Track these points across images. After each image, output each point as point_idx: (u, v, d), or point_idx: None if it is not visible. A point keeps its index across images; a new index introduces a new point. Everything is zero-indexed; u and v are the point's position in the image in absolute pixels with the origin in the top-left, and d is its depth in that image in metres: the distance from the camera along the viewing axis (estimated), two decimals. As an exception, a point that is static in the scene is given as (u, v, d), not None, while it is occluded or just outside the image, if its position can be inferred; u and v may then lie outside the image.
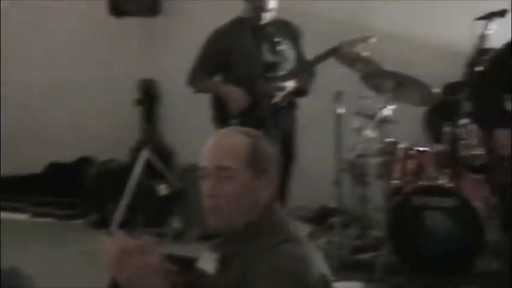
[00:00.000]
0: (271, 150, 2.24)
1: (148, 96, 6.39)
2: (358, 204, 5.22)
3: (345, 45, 4.67)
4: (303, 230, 5.07)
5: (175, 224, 5.82)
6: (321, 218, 5.63)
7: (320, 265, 2.15)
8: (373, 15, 5.93)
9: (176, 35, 6.34)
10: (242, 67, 4.80)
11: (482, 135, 4.27)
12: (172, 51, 6.29)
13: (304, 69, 4.91)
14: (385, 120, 4.72)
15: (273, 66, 4.80)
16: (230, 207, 2.16)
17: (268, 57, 4.82)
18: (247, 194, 2.16)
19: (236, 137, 2.21)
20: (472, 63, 3.81)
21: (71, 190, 6.34)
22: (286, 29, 4.91)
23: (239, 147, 2.18)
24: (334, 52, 4.70)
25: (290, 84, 4.81)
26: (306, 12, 5.46)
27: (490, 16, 3.85)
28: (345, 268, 4.64)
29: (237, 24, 4.83)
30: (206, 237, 4.85)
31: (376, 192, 5.02)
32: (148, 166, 5.96)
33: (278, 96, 4.79)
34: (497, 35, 4.00)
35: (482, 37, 3.79)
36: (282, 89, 4.78)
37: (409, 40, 5.87)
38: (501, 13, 3.78)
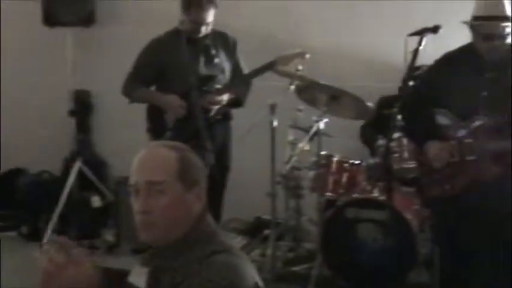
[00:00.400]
0: (199, 162, 2.24)
1: (82, 107, 6.28)
2: (292, 217, 5.20)
3: (281, 60, 4.64)
4: (236, 241, 5.25)
5: (108, 236, 5.74)
6: (255, 230, 5.61)
7: (254, 275, 2.14)
8: (309, 32, 5.94)
9: (110, 45, 6.26)
10: (178, 79, 4.74)
11: (414, 148, 4.25)
12: (106, 62, 6.21)
13: (240, 83, 4.89)
14: (319, 134, 4.70)
15: (208, 79, 4.76)
16: (163, 221, 2.13)
17: (204, 70, 4.77)
18: (179, 207, 2.14)
19: (165, 151, 2.19)
20: (405, 78, 3.78)
21: (3, 202, 6.19)
22: (222, 41, 4.88)
23: (169, 161, 2.16)
24: (269, 67, 4.68)
25: (225, 97, 4.78)
26: (242, 27, 5.42)
27: (422, 32, 3.77)
28: (279, 280, 4.63)
29: (174, 36, 4.76)
30: (139, 250, 4.77)
31: (310, 204, 5.01)
32: (82, 177, 5.87)
33: (213, 109, 4.76)
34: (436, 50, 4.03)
35: (415, 52, 3.72)
36: (217, 102, 4.75)
37: (344, 55, 5.88)
38: (434, 29, 3.77)
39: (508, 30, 3.81)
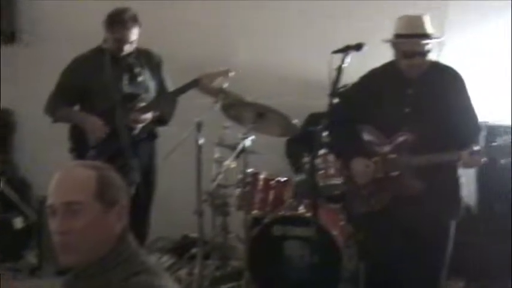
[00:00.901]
0: (119, 181, 2.20)
1: (4, 126, 6.15)
2: (219, 234, 5.15)
3: (205, 77, 4.62)
4: (163, 261, 5.21)
5: (31, 258, 5.57)
6: (182, 249, 5.52)
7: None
8: (236, 48, 5.92)
9: (33, 64, 6.11)
10: (101, 98, 4.67)
11: (340, 165, 4.26)
12: (29, 80, 6.07)
13: (165, 100, 4.83)
14: (246, 151, 4.67)
15: (132, 97, 4.70)
16: (81, 243, 2.08)
17: (128, 88, 4.72)
18: (98, 228, 2.10)
19: (82, 171, 2.15)
20: (329, 95, 3.79)
21: None
22: (147, 59, 4.82)
23: (86, 180, 2.12)
24: (193, 84, 4.65)
25: (150, 115, 4.71)
26: (167, 45, 5.34)
27: (346, 49, 3.76)
28: (207, 299, 4.62)
29: (97, 55, 4.69)
30: (62, 271, 4.57)
31: (237, 222, 4.98)
32: (3, 198, 5.71)
33: (138, 127, 4.68)
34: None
35: (339, 70, 3.68)
36: (141, 120, 4.68)
37: (271, 72, 5.87)
38: (357, 47, 3.78)
39: (428, 47, 3.84)
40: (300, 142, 5.01)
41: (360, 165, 3.91)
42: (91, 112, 4.68)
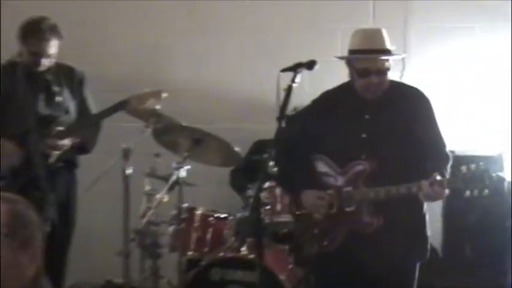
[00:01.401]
0: (35, 217, 2.15)
1: None
2: (149, 279, 4.98)
3: (135, 99, 4.48)
4: None
5: None
6: (106, 295, 5.37)
7: None
8: (174, 68, 5.89)
9: None
10: (14, 120, 4.46)
11: (288, 200, 4.16)
12: None
13: (87, 124, 4.68)
14: (180, 182, 4.57)
15: (49, 120, 4.50)
16: None
17: (45, 109, 4.56)
18: (8, 270, 2.06)
19: None
20: (278, 119, 3.58)
21: None
22: (67, 76, 4.64)
23: None
24: (121, 106, 4.48)
25: (69, 141, 4.52)
26: (93, 62, 5.32)
27: (296, 67, 3.62)
28: None
29: (9, 69, 4.47)
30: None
31: (170, 265, 4.90)
32: None
33: (55, 155, 4.48)
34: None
35: (288, 90, 3.54)
36: (59, 146, 4.48)
37: (212, 93, 5.83)
38: (309, 65, 3.59)
39: (387, 64, 3.74)
40: (244, 173, 5.13)
41: (311, 198, 3.81)
42: (2, 135, 4.44)
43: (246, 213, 4.62)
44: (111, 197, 4.67)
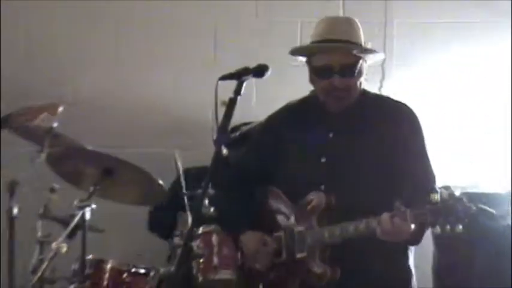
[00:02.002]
0: None
1: None
2: None
3: (20, 114, 4.21)
4: None
5: None
6: None
7: None
8: (74, 80, 5.70)
9: None
10: None
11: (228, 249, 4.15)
12: None
13: None
14: (84, 227, 4.09)
15: None
16: None
17: None
18: None
19: None
20: (216, 143, 3.24)
21: None
22: None
23: None
24: (2, 124, 4.21)
25: None
26: None
27: (240, 74, 3.22)
28: None
29: None
30: None
31: None
32: None
33: None
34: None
35: (231, 105, 3.17)
36: None
37: (124, 111, 5.60)
38: (258, 71, 3.21)
39: (356, 63, 3.42)
40: (169, 213, 4.94)
41: (252, 243, 3.56)
42: None
43: (172, 268, 4.26)
44: (-8, 243, 4.23)
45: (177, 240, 4.56)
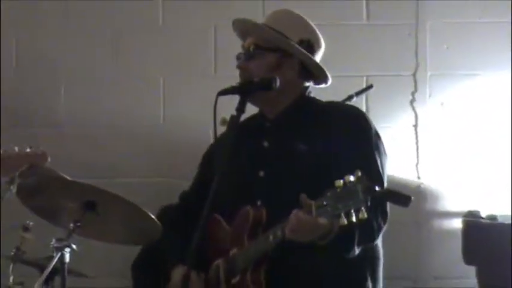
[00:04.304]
0: None
1: None
2: None
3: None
4: None
5: None
6: None
7: None
8: (47, 97, 5.38)
9: None
10: None
11: None
12: None
13: None
14: (63, 272, 3.62)
15: None
16: None
17: None
18: None
19: None
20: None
21: None
22: None
23: None
24: None
25: None
26: None
27: (243, 88, 3.20)
28: None
29: None
30: None
31: None
32: None
33: None
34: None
35: (233, 121, 3.09)
36: None
37: (108, 131, 5.24)
38: (265, 83, 3.13)
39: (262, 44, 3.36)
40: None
41: (177, 277, 3.50)
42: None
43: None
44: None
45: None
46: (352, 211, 2.74)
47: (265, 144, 3.42)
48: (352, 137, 3.34)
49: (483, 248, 4.72)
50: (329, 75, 3.40)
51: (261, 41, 3.34)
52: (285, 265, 3.21)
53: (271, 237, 3.14)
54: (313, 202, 2.87)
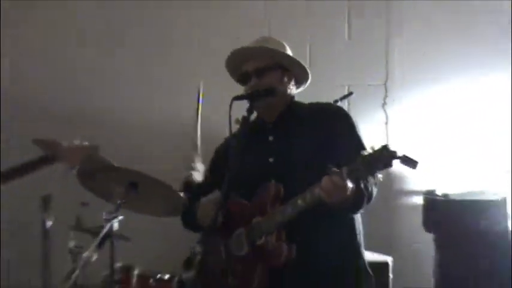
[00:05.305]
0: None
1: None
2: None
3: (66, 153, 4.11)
4: None
5: None
6: None
7: None
8: (94, 95, 5.87)
9: None
10: None
11: None
12: None
13: None
14: (113, 237, 4.14)
15: None
16: None
17: None
18: None
19: None
20: None
21: None
22: None
23: None
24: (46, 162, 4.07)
25: None
26: None
27: (254, 95, 3.59)
28: None
29: None
30: None
31: None
32: None
33: None
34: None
35: (244, 122, 3.53)
36: None
37: (148, 126, 5.74)
38: (270, 92, 3.56)
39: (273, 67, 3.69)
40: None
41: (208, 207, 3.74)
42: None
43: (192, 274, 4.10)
44: (28, 254, 4.54)
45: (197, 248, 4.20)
46: (380, 173, 3.13)
47: (271, 138, 3.75)
48: (340, 123, 3.71)
49: (439, 219, 5.22)
50: (309, 74, 3.76)
51: (265, 60, 3.68)
52: (301, 229, 3.52)
53: (299, 202, 3.38)
54: (344, 167, 3.16)
